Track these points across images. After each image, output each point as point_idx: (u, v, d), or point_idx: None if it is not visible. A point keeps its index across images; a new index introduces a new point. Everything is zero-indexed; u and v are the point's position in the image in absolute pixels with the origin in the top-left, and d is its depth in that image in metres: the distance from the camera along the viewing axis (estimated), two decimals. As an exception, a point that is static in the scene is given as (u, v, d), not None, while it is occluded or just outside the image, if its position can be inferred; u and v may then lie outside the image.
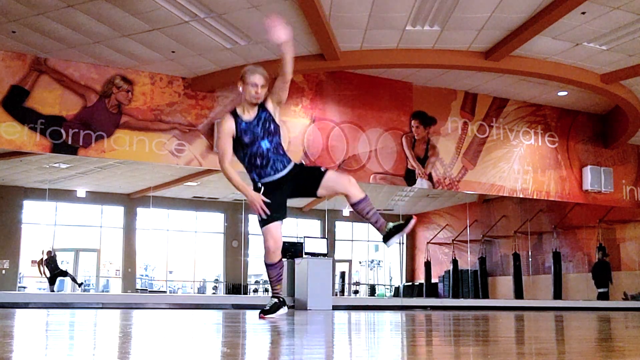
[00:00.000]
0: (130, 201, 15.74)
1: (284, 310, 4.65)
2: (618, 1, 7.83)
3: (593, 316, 6.96)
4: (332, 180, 4.30)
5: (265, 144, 4.33)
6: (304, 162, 4.17)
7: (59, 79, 9.37)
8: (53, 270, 13.63)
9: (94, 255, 16.16)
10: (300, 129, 10.47)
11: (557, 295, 15.02)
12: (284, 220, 4.40)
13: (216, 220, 17.06)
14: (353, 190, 4.28)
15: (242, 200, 15.91)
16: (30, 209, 15.29)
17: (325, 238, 12.29)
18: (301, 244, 10.13)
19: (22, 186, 14.88)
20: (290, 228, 17.90)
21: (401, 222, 4.34)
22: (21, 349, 2.02)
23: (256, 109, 4.39)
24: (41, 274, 13.56)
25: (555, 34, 8.81)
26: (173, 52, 9.12)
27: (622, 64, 9.83)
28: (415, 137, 11.30)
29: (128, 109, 9.68)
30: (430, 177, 11.34)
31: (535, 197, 12.37)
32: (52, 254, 13.84)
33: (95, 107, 9.51)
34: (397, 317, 5.98)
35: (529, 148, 12.33)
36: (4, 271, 14.35)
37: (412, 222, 4.33)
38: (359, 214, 4.35)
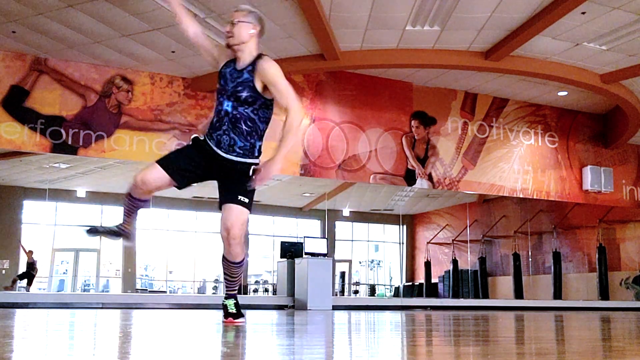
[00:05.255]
0: (130, 201, 15.72)
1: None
2: (618, 1, 7.83)
3: (593, 316, 6.96)
4: (230, 214, 3.68)
5: (227, 105, 3.60)
6: (252, 177, 3.66)
7: (59, 79, 9.37)
8: (29, 269, 13.86)
9: (94, 255, 16.17)
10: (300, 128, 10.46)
11: (557, 295, 15.03)
12: (171, 179, 3.62)
13: (216, 220, 17.03)
14: (236, 248, 3.74)
15: (242, 200, 15.90)
16: (30, 209, 15.30)
17: (325, 238, 12.30)
18: (301, 244, 10.14)
19: (22, 186, 14.88)
20: (290, 228, 17.91)
21: (230, 311, 3.93)
22: (21, 349, 2.02)
23: (245, 63, 3.63)
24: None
25: (555, 34, 8.81)
26: (173, 52, 9.13)
27: (622, 64, 9.83)
28: (415, 137, 11.30)
29: (128, 109, 9.69)
30: (430, 177, 11.34)
31: (535, 197, 12.37)
32: (33, 261, 14.05)
33: (95, 107, 9.52)
34: (397, 317, 5.98)
35: (529, 148, 12.33)
36: (4, 271, 14.37)
37: (232, 321, 3.91)
38: (223, 268, 3.91)
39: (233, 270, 3.89)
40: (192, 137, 3.77)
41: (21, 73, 9.17)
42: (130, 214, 3.89)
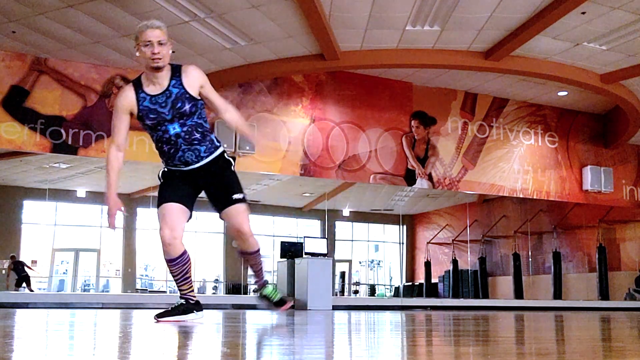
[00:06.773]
0: (130, 201, 15.73)
1: (195, 315, 3.72)
2: (618, 1, 7.83)
3: (593, 316, 6.96)
4: (235, 216, 3.70)
5: (173, 128, 3.49)
6: (231, 161, 3.84)
7: (59, 79, 9.37)
8: (19, 273, 13.83)
9: (94, 255, 16.14)
10: (300, 129, 10.47)
11: (557, 295, 15.03)
12: (186, 208, 3.64)
13: (216, 220, 17.02)
14: (250, 240, 3.79)
15: (242, 200, 15.90)
16: (30, 209, 15.27)
17: (325, 238, 12.29)
18: (301, 244, 10.14)
19: (22, 186, 14.86)
20: (290, 228, 17.91)
21: (277, 299, 4.02)
22: (21, 349, 2.02)
23: (166, 79, 3.49)
24: (8, 276, 13.86)
25: (555, 34, 8.81)
26: (173, 52, 9.08)
27: (622, 64, 9.83)
28: (415, 137, 11.30)
29: (128, 109, 9.68)
30: (430, 177, 11.34)
31: (535, 197, 12.38)
32: (17, 259, 14.01)
33: (95, 107, 9.52)
34: (397, 317, 5.98)
35: (529, 148, 12.33)
36: (3, 271, 14.35)
37: (285, 307, 4.09)
38: (244, 261, 4.03)
39: (254, 259, 3.95)
40: (159, 174, 3.76)
41: (21, 73, 9.17)
42: (185, 279, 3.75)
